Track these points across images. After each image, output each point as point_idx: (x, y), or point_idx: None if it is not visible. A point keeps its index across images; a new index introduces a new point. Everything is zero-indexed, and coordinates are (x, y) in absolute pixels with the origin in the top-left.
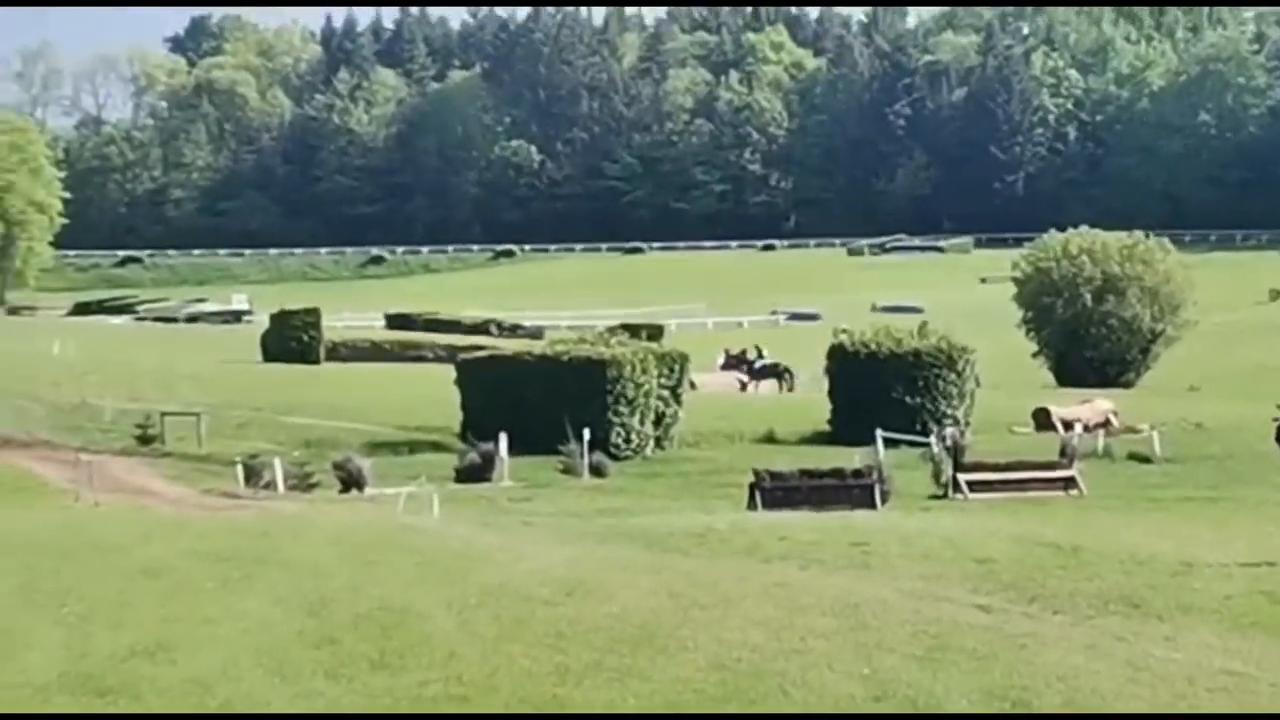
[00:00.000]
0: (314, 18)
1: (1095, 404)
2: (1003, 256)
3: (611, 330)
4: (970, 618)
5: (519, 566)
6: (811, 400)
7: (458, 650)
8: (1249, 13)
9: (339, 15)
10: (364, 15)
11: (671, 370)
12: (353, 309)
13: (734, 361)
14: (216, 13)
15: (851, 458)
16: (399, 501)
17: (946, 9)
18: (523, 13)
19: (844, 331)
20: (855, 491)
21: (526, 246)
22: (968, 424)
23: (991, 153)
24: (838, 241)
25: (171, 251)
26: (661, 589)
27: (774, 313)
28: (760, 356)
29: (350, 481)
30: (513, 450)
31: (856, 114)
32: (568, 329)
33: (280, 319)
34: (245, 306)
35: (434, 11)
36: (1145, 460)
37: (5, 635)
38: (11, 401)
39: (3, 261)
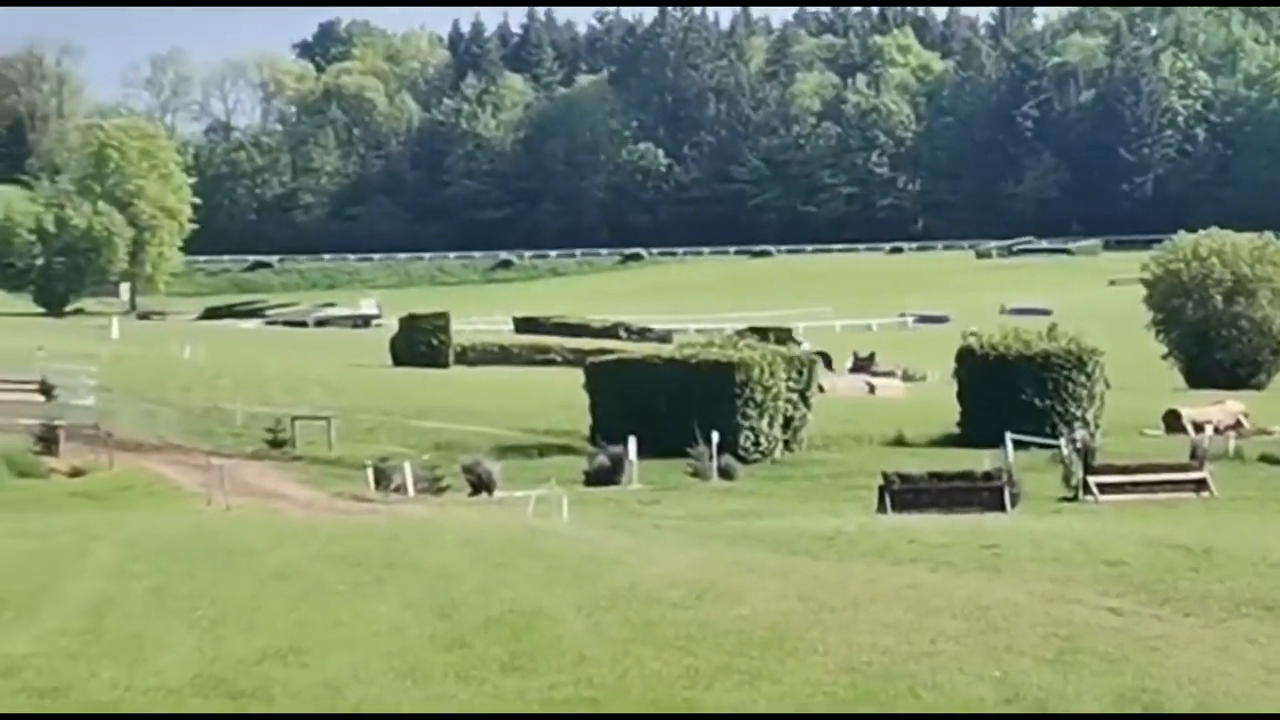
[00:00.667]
0: (441, 22)
1: (1226, 406)
2: (1132, 258)
3: (739, 333)
4: (1101, 620)
5: (648, 569)
6: (941, 402)
7: (588, 653)
8: None
9: (466, 20)
10: (491, 20)
11: (800, 373)
12: (481, 313)
13: (862, 364)
14: (345, 18)
15: (981, 460)
16: (528, 504)
17: (1074, 10)
18: (649, 16)
19: (973, 334)
20: (985, 494)
21: (654, 250)
22: (1097, 426)
23: (1120, 154)
24: (966, 244)
25: (300, 256)
26: (791, 592)
27: (902, 315)
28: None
29: (480, 485)
30: (641, 453)
31: (984, 116)
32: (696, 332)
33: (409, 323)
34: (374, 311)
35: (561, 15)
36: (1276, 462)
37: (139, 639)
38: (143, 406)
39: (133, 267)
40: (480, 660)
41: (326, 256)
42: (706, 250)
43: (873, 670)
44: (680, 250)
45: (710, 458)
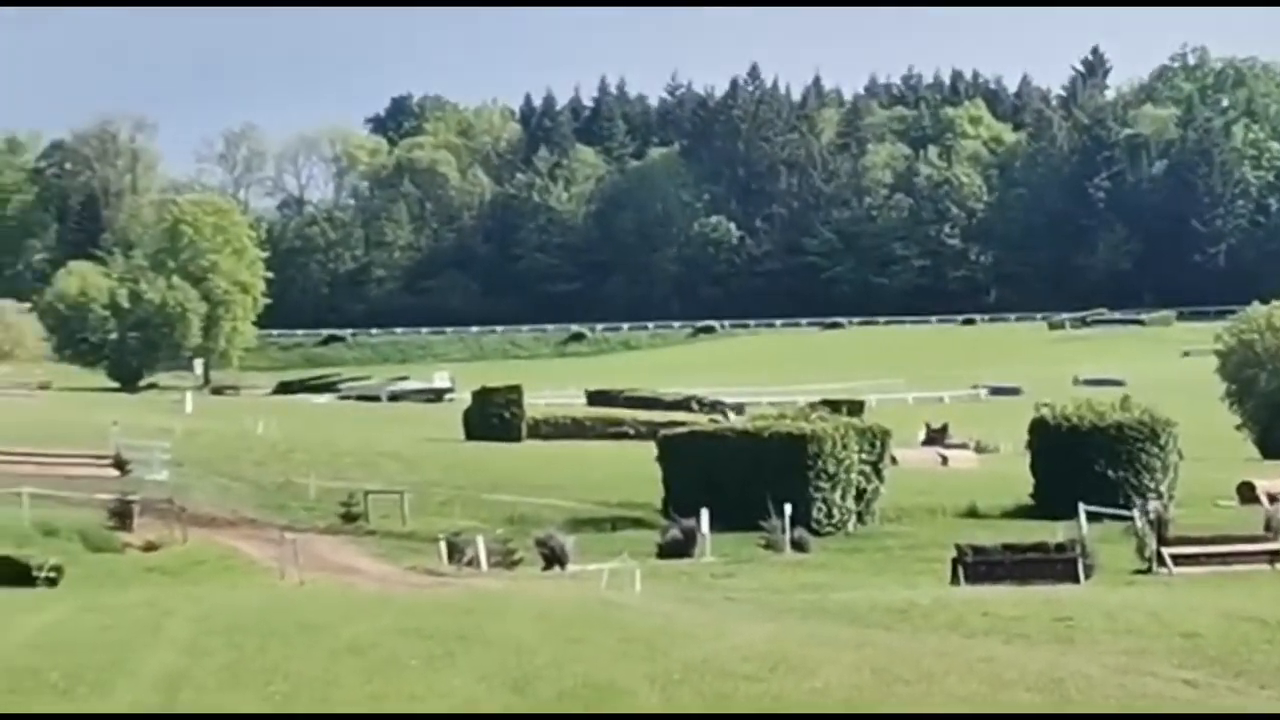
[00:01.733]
0: (513, 96)
1: None
2: (1205, 329)
3: (812, 406)
4: (1176, 693)
5: (721, 642)
6: (1013, 473)
7: None
8: None
9: (538, 93)
10: (563, 93)
11: (873, 445)
12: (554, 386)
13: (935, 436)
14: (417, 92)
15: (1054, 532)
16: (602, 578)
17: (1146, 81)
18: (721, 89)
19: (1046, 405)
20: (1058, 566)
21: (726, 322)
22: (1171, 497)
23: (1192, 225)
24: (1038, 315)
25: (374, 330)
26: (864, 665)
27: (975, 387)
28: None
29: (553, 558)
30: (714, 526)
31: (1056, 187)
32: (768, 405)
33: (482, 396)
34: (447, 384)
35: (633, 88)
36: None
37: (213, 714)
38: (217, 480)
39: (207, 341)
40: None
41: (399, 330)
42: (779, 322)
43: None
44: (752, 322)
45: (783, 530)
